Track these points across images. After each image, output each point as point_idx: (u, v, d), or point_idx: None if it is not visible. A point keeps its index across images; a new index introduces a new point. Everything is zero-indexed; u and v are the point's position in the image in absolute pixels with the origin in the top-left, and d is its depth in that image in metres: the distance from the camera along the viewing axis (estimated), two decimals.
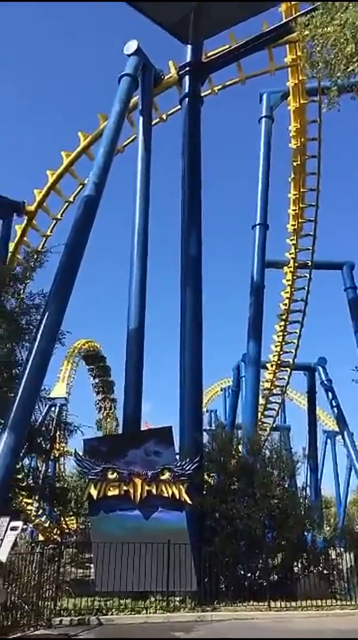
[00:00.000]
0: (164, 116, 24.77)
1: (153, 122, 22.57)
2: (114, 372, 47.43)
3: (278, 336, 30.70)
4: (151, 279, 18.95)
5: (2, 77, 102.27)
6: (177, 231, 17.83)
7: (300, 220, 26.54)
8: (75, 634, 9.49)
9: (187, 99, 19.26)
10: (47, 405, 27.61)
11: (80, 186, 26.02)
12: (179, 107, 21.11)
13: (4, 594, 8.05)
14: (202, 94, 20.64)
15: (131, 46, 19.95)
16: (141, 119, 21.15)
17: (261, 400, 30.05)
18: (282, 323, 30.06)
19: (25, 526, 14.87)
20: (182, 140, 18.97)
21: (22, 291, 19.92)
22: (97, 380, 48.44)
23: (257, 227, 23.37)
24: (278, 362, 31.66)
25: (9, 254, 25.31)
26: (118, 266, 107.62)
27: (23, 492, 20.87)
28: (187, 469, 13.43)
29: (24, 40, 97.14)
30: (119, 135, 19.07)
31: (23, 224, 27.48)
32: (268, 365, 31.77)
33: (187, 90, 19.39)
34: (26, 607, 10.11)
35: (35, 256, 20.21)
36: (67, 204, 27.92)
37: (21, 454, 16.82)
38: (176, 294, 17.13)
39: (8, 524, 8.53)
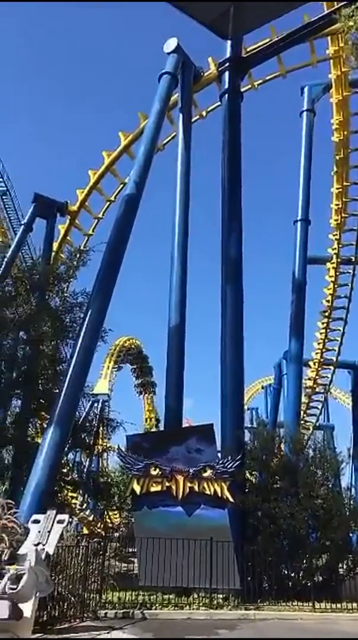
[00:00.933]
0: (204, 113, 24.74)
1: (193, 119, 22.59)
2: (155, 368, 47.78)
3: (320, 333, 30.18)
4: (192, 275, 19.03)
5: (43, 78, 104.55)
6: (217, 227, 17.78)
7: (343, 215, 25.99)
8: (120, 626, 9.64)
9: (226, 95, 19.14)
10: (90, 402, 28.18)
11: (121, 185, 26.34)
12: (219, 103, 21.02)
13: (51, 586, 8.26)
14: (242, 89, 20.44)
15: (171, 44, 20.01)
16: (181, 116, 21.21)
17: (303, 399, 29.64)
18: (325, 320, 29.53)
19: (70, 519, 15.15)
20: (221, 137, 18.87)
21: (66, 290, 20.40)
22: (138, 376, 48.93)
23: (299, 222, 23.00)
24: (321, 360, 31.12)
25: (53, 254, 25.89)
26: (159, 263, 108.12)
27: (68, 486, 21.35)
28: (229, 466, 13.39)
29: (64, 39, 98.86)
30: (159, 133, 19.20)
31: (66, 224, 28.06)
32: (310, 363, 31.28)
33: (226, 86, 19.27)
34: (72, 598, 10.34)
35: (78, 255, 20.63)
36: (108, 203, 28.33)
37: (66, 449, 17.21)
38: (217, 290, 17.08)
39: (55, 517, 8.75)
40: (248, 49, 20.47)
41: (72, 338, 18.88)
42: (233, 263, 17.19)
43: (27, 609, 7.20)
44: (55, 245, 26.93)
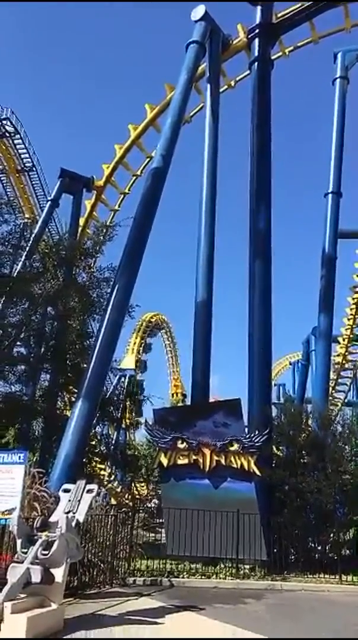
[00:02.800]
0: (233, 82, 24.08)
1: (221, 90, 22.04)
2: (182, 344, 47.96)
3: (351, 309, 29.68)
4: (219, 250, 18.82)
5: (67, 54, 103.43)
6: (245, 201, 17.45)
7: None
8: (148, 593, 9.86)
9: (256, 63, 18.56)
10: (117, 377, 28.52)
11: (148, 159, 26.07)
12: (248, 72, 20.40)
13: (81, 552, 8.44)
14: (272, 57, 19.79)
15: (199, 11, 19.40)
16: (209, 86, 20.68)
17: (332, 375, 29.37)
18: (356, 296, 28.97)
19: (99, 490, 15.46)
20: (251, 107, 18.37)
21: (92, 265, 20.44)
22: (164, 352, 49.24)
23: (330, 195, 22.41)
24: (351, 335, 30.67)
25: (80, 229, 25.93)
26: (186, 237, 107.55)
27: (96, 458, 21.78)
28: (256, 441, 13.39)
29: (87, 10, 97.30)
30: (186, 105, 18.76)
31: (92, 199, 28.01)
32: (340, 339, 30.87)
33: (256, 54, 18.68)
34: (102, 565, 10.61)
35: (105, 230, 20.56)
36: (134, 177, 28.10)
37: (94, 422, 17.49)
38: (245, 265, 16.86)
39: (84, 487, 8.89)
40: (278, 15, 19.67)
41: (99, 313, 18.98)
42: (262, 237, 16.89)
43: (59, 574, 7.39)
44: (81, 221, 26.99)
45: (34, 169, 28.78)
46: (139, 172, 27.75)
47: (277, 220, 27.34)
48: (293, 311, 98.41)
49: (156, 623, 7.70)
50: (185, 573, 11.71)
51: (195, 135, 21.21)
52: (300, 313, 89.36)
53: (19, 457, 8.95)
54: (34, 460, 17.19)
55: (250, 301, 16.31)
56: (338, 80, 23.09)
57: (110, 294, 16.47)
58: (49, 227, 24.94)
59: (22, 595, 7.02)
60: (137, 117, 26.33)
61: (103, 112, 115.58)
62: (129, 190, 28.57)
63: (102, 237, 20.35)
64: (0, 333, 18.01)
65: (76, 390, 17.62)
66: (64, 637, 6.83)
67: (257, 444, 13.36)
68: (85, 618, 7.74)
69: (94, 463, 22.30)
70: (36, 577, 7.04)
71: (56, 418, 19.19)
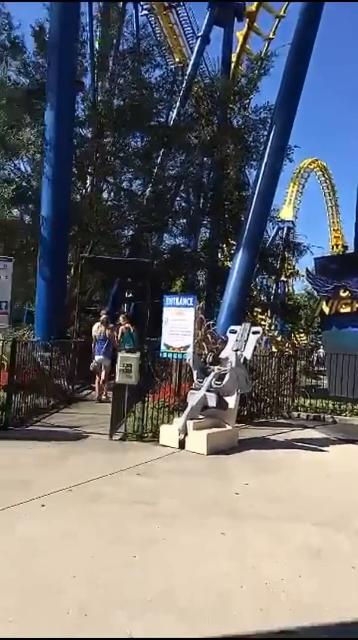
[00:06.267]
0: None
1: None
2: (342, 191, 44.58)
3: None
4: None
5: None
6: None
7: None
8: (312, 426, 10.49)
9: None
10: (276, 228, 27.95)
11: None
12: None
13: (249, 385, 9.15)
14: None
15: None
16: None
17: None
18: None
19: (263, 335, 16.15)
20: None
21: (247, 106, 19.14)
22: (324, 201, 46.44)
23: None
24: None
25: (232, 67, 23.98)
26: (351, 75, 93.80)
27: (257, 308, 22.53)
28: None
29: None
30: None
31: (244, 30, 25.37)
32: None
33: None
34: (268, 400, 11.46)
35: (259, 63, 18.77)
36: None
37: (254, 273, 17.74)
38: None
39: (250, 329, 9.32)
40: None
41: (255, 159, 18.19)
42: None
43: (231, 401, 8.19)
44: (233, 57, 24.80)
45: (181, 4, 26.49)
46: None
47: None
48: None
49: (320, 450, 8.25)
50: (348, 412, 12.09)
51: None
52: None
53: (189, 300, 9.56)
54: (201, 306, 18.40)
55: None
56: None
57: (267, 137, 15.53)
58: (200, 69, 23.41)
59: (201, 417, 7.98)
60: None
61: None
62: (284, 12, 25.10)
63: (256, 72, 18.68)
64: (161, 187, 18.37)
65: (235, 243, 17.79)
66: (239, 453, 7.73)
67: None
68: (255, 440, 8.60)
69: (255, 313, 23.11)
70: (212, 402, 7.88)
71: (218, 269, 19.84)
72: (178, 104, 18.84)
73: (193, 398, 7.92)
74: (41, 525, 4.47)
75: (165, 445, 7.68)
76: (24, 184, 16.14)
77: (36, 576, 3.54)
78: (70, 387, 11.71)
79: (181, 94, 19.09)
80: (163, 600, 3.31)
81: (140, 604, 3.24)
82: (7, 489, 5.33)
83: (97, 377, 11.66)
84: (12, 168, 16.80)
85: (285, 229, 30.99)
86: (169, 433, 7.77)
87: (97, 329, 11.94)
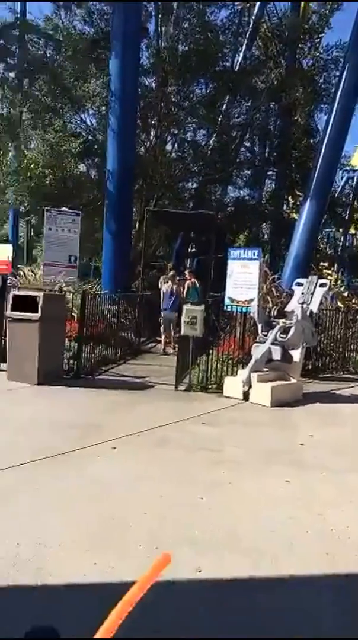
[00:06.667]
0: None
1: None
2: None
3: None
4: None
5: None
6: None
7: None
8: None
9: None
10: (345, 177, 26.56)
11: None
12: None
13: (315, 339, 8.99)
14: None
15: None
16: None
17: None
18: None
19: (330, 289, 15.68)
20: None
21: (318, 46, 17.95)
22: None
23: None
24: None
25: (302, 4, 22.36)
26: None
27: (323, 262, 21.76)
28: None
29: None
30: None
31: None
32: None
33: None
34: (334, 354, 11.24)
35: None
36: None
37: (321, 224, 17.08)
38: None
39: (317, 281, 9.07)
40: None
41: (326, 103, 17.15)
42: None
43: (296, 354, 8.10)
44: None
45: None
46: None
47: None
48: None
49: None
50: None
51: None
52: None
53: (254, 253, 9.38)
54: (265, 259, 18.04)
55: None
56: None
57: (339, 77, 14.58)
58: (268, 8, 22.01)
59: (265, 369, 7.98)
60: None
61: None
62: None
63: (328, 8, 17.37)
64: (226, 137, 17.83)
65: (301, 194, 17.12)
66: (303, 406, 7.70)
67: None
68: (320, 394, 8.51)
69: (321, 267, 22.37)
70: (276, 355, 7.84)
71: (283, 222, 19.28)
72: (244, 46, 17.95)
73: (257, 351, 7.91)
74: (113, 466, 4.72)
75: (229, 397, 7.78)
76: (90, 137, 16.19)
77: (109, 512, 3.77)
78: (136, 339, 12.01)
79: (248, 35, 18.13)
80: (228, 540, 3.44)
81: (206, 542, 3.39)
82: (80, 431, 5.64)
83: (164, 331, 11.89)
84: (79, 122, 16.86)
85: (356, 177, 29.32)
86: (233, 385, 7.85)
87: (165, 284, 12.11)
